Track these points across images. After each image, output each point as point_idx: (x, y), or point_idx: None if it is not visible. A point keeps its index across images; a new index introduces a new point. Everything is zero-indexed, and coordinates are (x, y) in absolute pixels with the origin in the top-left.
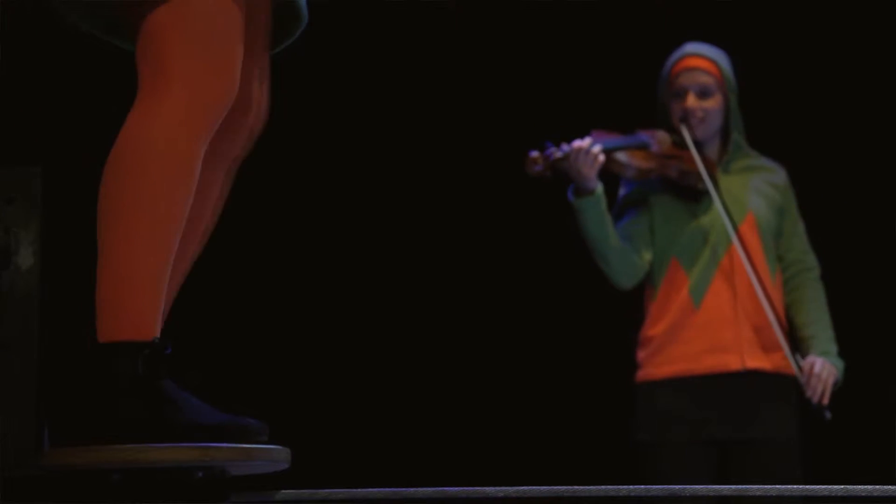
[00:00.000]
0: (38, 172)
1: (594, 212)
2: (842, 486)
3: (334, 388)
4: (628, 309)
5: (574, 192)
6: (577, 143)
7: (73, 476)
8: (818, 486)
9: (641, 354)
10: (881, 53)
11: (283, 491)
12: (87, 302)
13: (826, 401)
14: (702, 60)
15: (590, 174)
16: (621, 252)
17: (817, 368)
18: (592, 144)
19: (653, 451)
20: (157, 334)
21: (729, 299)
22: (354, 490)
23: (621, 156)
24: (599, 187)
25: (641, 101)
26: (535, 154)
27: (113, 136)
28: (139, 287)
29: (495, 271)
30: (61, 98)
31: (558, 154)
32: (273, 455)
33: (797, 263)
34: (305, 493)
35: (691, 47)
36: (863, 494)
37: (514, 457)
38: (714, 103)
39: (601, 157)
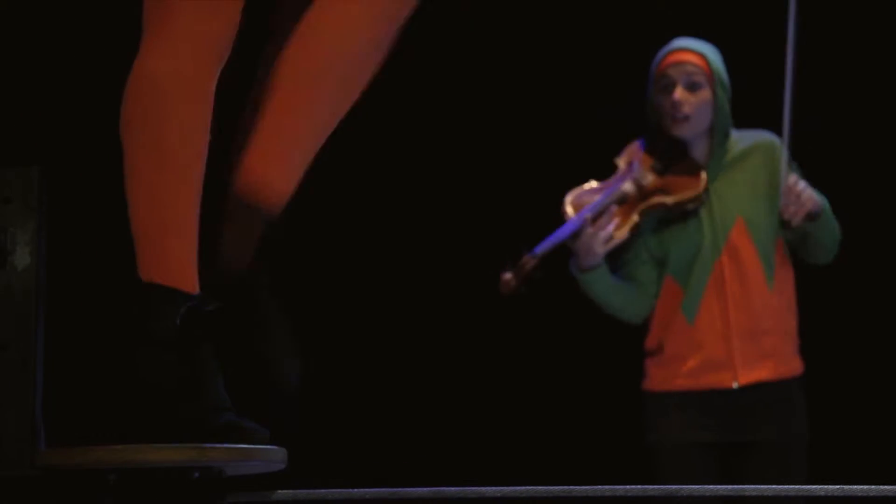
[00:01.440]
0: (36, 172)
1: (602, 283)
2: (838, 486)
3: (331, 388)
4: None
5: (578, 266)
6: (596, 225)
7: (70, 476)
8: (815, 486)
9: (647, 363)
10: (883, 47)
11: (280, 491)
12: (84, 301)
13: (795, 223)
14: (690, 54)
15: (601, 250)
16: (629, 301)
17: (800, 186)
18: (600, 207)
19: (657, 456)
20: (197, 291)
21: (720, 313)
22: (351, 490)
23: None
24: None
25: (634, 101)
26: (507, 275)
27: (112, 136)
28: (175, 233)
29: (498, 271)
30: (59, 98)
31: (531, 263)
32: (270, 455)
33: None
34: (302, 493)
35: (680, 41)
36: (860, 494)
37: (513, 457)
38: (703, 97)
39: (614, 241)
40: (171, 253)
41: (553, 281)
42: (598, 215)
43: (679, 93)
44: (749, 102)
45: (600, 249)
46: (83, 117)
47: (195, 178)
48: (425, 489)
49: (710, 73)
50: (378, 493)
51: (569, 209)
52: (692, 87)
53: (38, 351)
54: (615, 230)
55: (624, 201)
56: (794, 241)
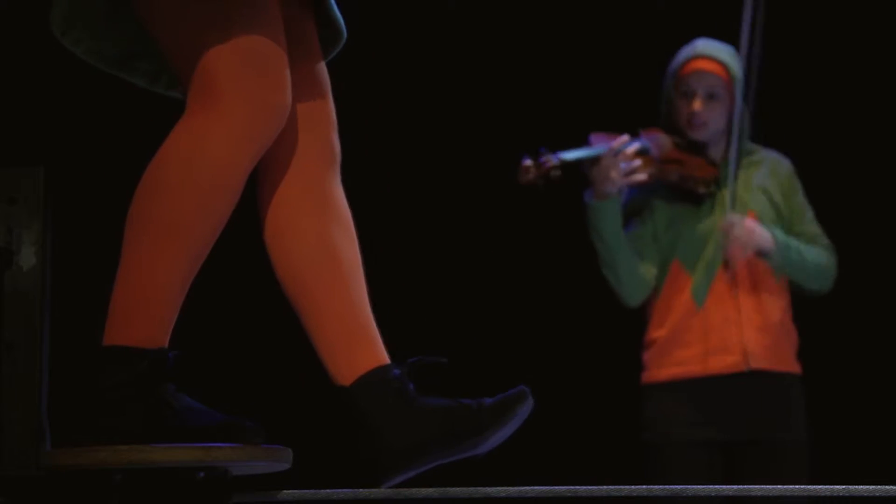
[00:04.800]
0: (41, 173)
1: (613, 216)
2: (843, 486)
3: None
4: (633, 310)
5: (593, 194)
6: (611, 145)
7: (76, 477)
8: (820, 486)
9: (646, 356)
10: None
11: (286, 491)
12: (90, 301)
13: (737, 265)
14: (712, 63)
15: (618, 180)
16: (631, 262)
17: (736, 229)
18: (624, 146)
19: (657, 453)
20: (165, 345)
21: (731, 300)
22: (357, 490)
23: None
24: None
25: (640, 99)
26: (528, 162)
27: (115, 136)
28: (156, 300)
29: (499, 270)
30: (64, 99)
31: (553, 162)
32: (275, 455)
33: (813, 241)
34: (308, 493)
35: (702, 46)
36: (865, 494)
37: (515, 457)
38: (721, 106)
39: (637, 163)
40: (146, 318)
41: (559, 279)
42: (621, 152)
43: (698, 104)
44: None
45: (617, 176)
46: (88, 118)
47: (195, 257)
48: (430, 489)
49: (730, 82)
50: (383, 492)
51: (593, 139)
52: (711, 98)
53: (44, 351)
54: (635, 168)
55: (646, 153)
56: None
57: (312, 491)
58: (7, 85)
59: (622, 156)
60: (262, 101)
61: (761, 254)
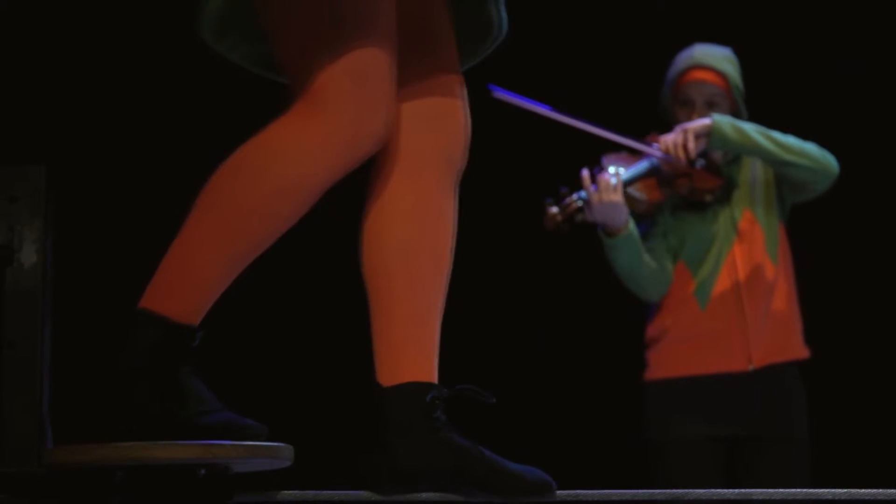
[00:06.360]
0: (42, 170)
1: (629, 248)
2: (846, 490)
3: (338, 388)
4: (636, 308)
5: (604, 231)
6: (597, 187)
7: (77, 474)
8: (822, 490)
9: (649, 355)
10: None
11: (286, 491)
12: (91, 299)
13: (690, 156)
14: (711, 74)
15: (616, 218)
16: (653, 275)
17: (669, 139)
18: (608, 188)
19: (660, 450)
20: (196, 324)
21: (734, 300)
22: (359, 492)
23: (632, 190)
24: (630, 222)
25: (641, 102)
26: (553, 210)
27: (116, 134)
28: (200, 279)
29: (498, 267)
30: (65, 97)
31: (576, 204)
32: (276, 452)
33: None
34: (310, 493)
35: (700, 55)
36: (867, 498)
37: (515, 456)
38: (721, 113)
39: (619, 199)
40: (184, 293)
41: (559, 277)
42: (631, 181)
43: (697, 115)
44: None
45: (615, 216)
46: (89, 116)
47: (251, 249)
48: (431, 493)
49: (729, 90)
50: (381, 496)
51: (605, 161)
52: (711, 106)
53: (45, 348)
54: (640, 195)
55: (656, 173)
56: (786, 184)
57: (314, 492)
58: (8, 83)
59: (611, 203)
60: (362, 125)
61: (703, 135)
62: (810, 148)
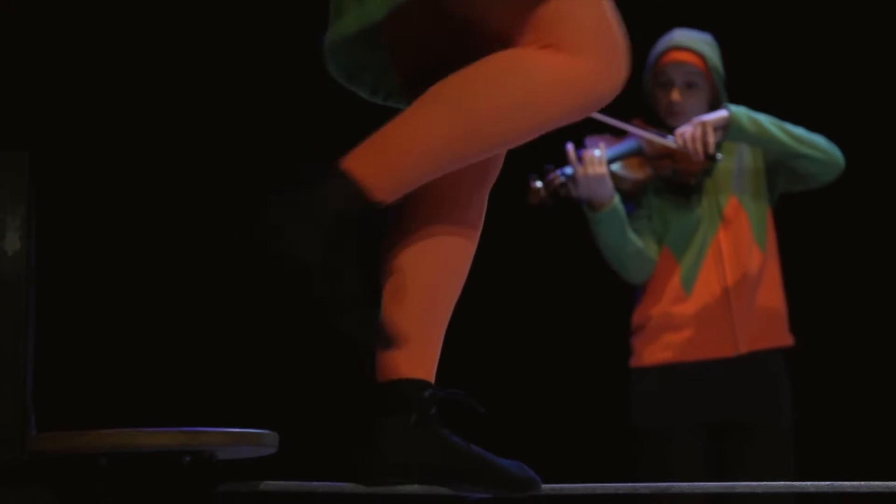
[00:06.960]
0: (26, 158)
1: (614, 222)
2: (828, 483)
3: (326, 380)
4: (621, 295)
5: (589, 206)
6: (582, 161)
7: (61, 461)
8: (805, 483)
9: (634, 341)
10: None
11: (269, 482)
12: (74, 287)
13: (709, 151)
14: (689, 54)
15: (602, 192)
16: (637, 254)
17: (687, 133)
18: (593, 161)
19: (646, 437)
20: (389, 202)
21: (719, 285)
22: (342, 484)
23: (617, 168)
24: (615, 196)
25: (635, 93)
26: (537, 184)
27: (100, 122)
28: (410, 163)
29: (488, 260)
30: (49, 84)
31: (560, 180)
32: (261, 440)
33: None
34: (293, 484)
35: (679, 37)
36: (850, 490)
37: (502, 447)
38: (699, 95)
39: (605, 171)
40: (391, 170)
41: (546, 267)
42: (609, 161)
43: (676, 94)
44: (743, 89)
45: (600, 190)
46: (73, 104)
47: (464, 162)
48: (416, 486)
49: (708, 72)
50: (367, 488)
51: (588, 142)
52: (689, 87)
53: (30, 336)
54: (625, 171)
55: (640, 153)
56: (788, 174)
57: (298, 483)
58: None
59: (597, 176)
60: (617, 78)
61: (720, 128)
62: (820, 140)
